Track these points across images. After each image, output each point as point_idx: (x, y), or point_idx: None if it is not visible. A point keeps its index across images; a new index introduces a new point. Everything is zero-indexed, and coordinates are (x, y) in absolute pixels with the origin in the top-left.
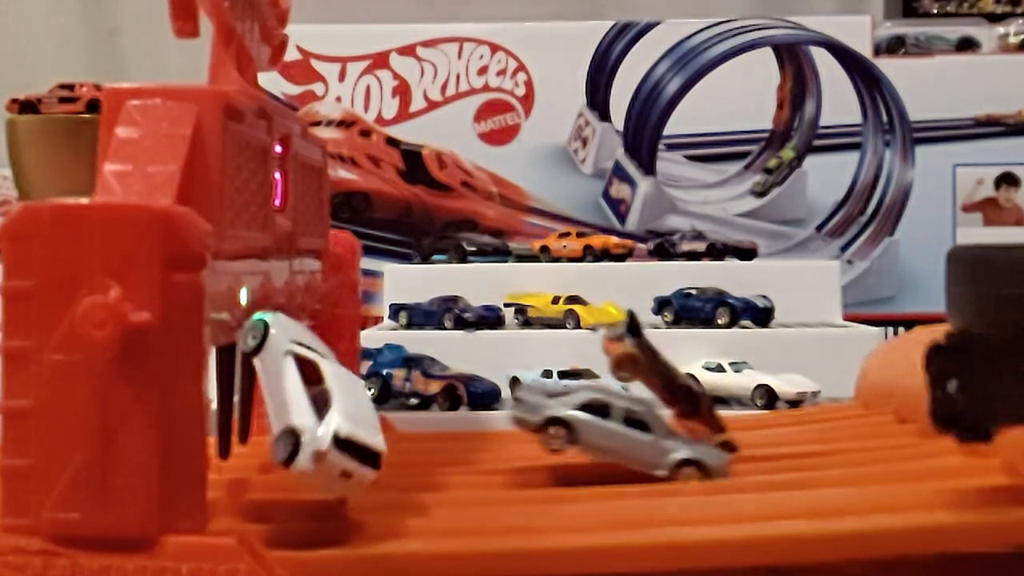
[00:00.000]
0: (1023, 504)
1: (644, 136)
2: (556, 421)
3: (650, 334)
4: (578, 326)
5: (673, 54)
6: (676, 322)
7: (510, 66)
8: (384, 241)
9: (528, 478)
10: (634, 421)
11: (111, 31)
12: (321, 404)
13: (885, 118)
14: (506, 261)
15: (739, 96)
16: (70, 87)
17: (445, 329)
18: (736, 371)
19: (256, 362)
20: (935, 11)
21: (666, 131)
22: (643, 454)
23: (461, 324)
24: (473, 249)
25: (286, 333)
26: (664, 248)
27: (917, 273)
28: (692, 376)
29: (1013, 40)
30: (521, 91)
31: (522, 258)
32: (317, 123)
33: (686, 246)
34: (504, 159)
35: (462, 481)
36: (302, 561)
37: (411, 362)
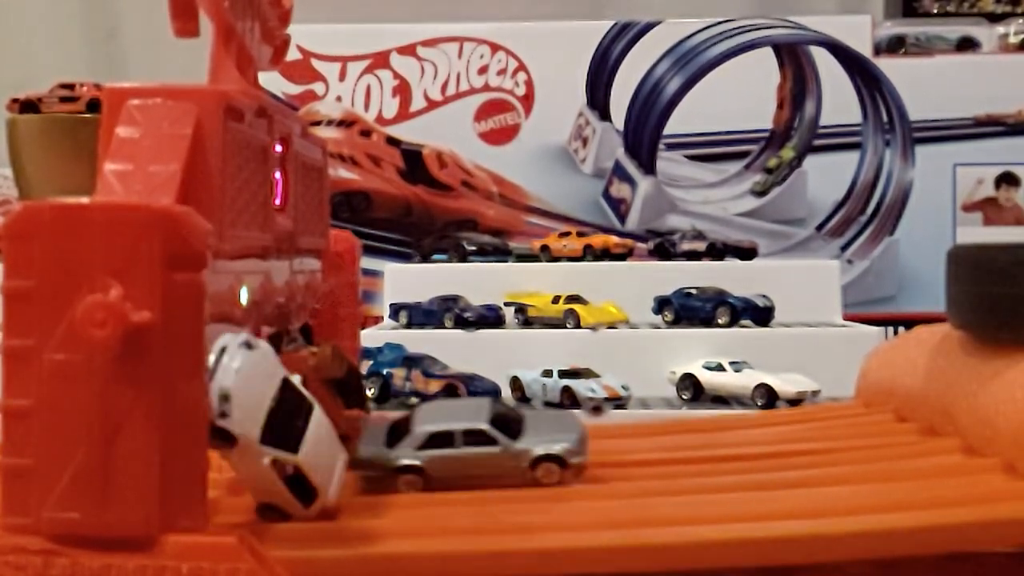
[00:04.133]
0: (1023, 504)
1: (644, 136)
2: (408, 470)
3: (645, 334)
4: (578, 325)
5: (673, 54)
6: (676, 321)
7: (510, 66)
8: (384, 240)
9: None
10: (475, 438)
11: (111, 31)
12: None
13: (885, 118)
14: (506, 261)
15: (739, 96)
16: (70, 86)
17: (445, 328)
18: (736, 370)
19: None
20: (935, 11)
21: (666, 131)
22: (497, 468)
23: (461, 323)
24: (473, 249)
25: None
26: (664, 248)
27: (917, 272)
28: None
29: (1013, 40)
30: (521, 91)
31: (522, 257)
32: (317, 122)
33: (686, 246)
34: (504, 159)
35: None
36: (302, 561)
37: (411, 361)
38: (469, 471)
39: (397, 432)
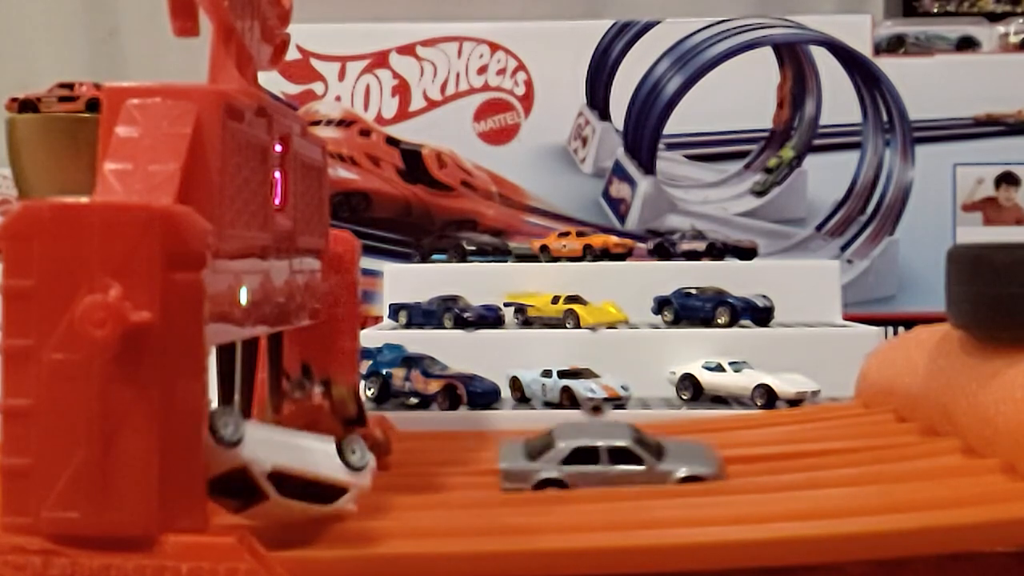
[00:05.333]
0: (1023, 504)
1: (644, 135)
2: (549, 483)
3: (645, 334)
4: (578, 325)
5: (673, 53)
6: (676, 321)
7: (510, 65)
8: (384, 240)
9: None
10: (622, 456)
11: (111, 31)
12: None
13: (885, 117)
14: (506, 260)
15: (739, 95)
16: (70, 86)
17: (445, 328)
18: (736, 371)
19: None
20: (935, 10)
21: (666, 130)
22: (644, 483)
23: (461, 323)
24: (473, 248)
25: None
26: (664, 247)
27: (917, 272)
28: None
29: (1013, 39)
30: (521, 90)
31: (522, 257)
32: (317, 122)
33: (686, 245)
34: (504, 158)
35: (462, 481)
36: (302, 561)
37: (411, 361)
38: (611, 488)
39: (535, 447)
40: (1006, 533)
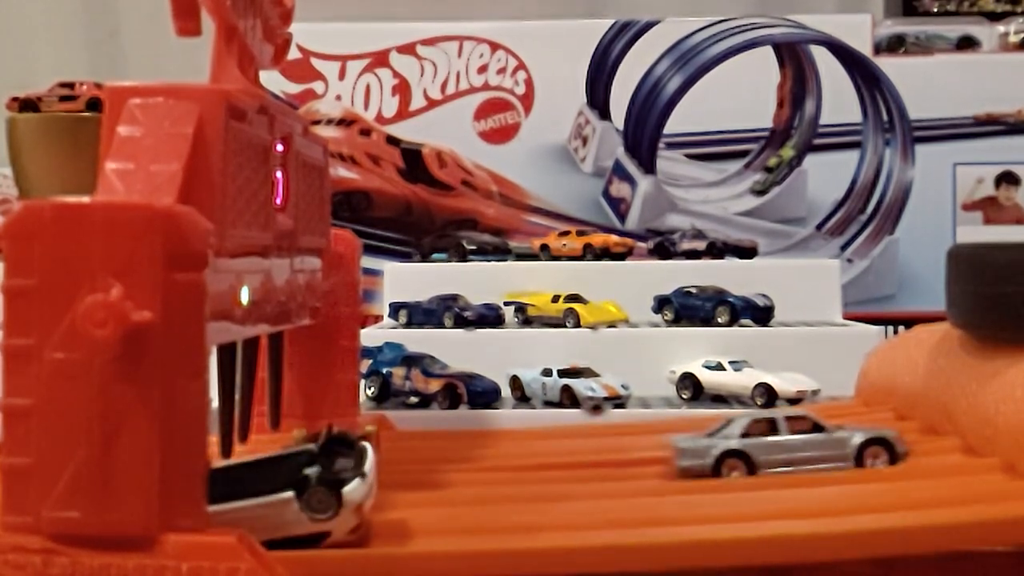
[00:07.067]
0: (1023, 504)
1: (644, 135)
2: (731, 454)
3: (645, 333)
4: (578, 324)
5: (673, 53)
6: (676, 321)
7: (510, 65)
8: (384, 240)
9: (528, 476)
10: (800, 425)
11: (111, 31)
12: None
13: (885, 117)
14: (506, 260)
15: (739, 95)
16: (70, 85)
17: (445, 327)
18: (736, 369)
19: None
20: (935, 10)
21: (666, 130)
22: (825, 452)
23: (461, 322)
24: (473, 248)
25: None
26: (664, 247)
27: (917, 272)
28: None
29: (1013, 39)
30: (521, 90)
31: (522, 257)
32: (317, 122)
33: (686, 245)
34: (504, 158)
35: (462, 479)
36: (302, 560)
37: (411, 360)
38: (794, 458)
39: (712, 430)
40: (1006, 532)
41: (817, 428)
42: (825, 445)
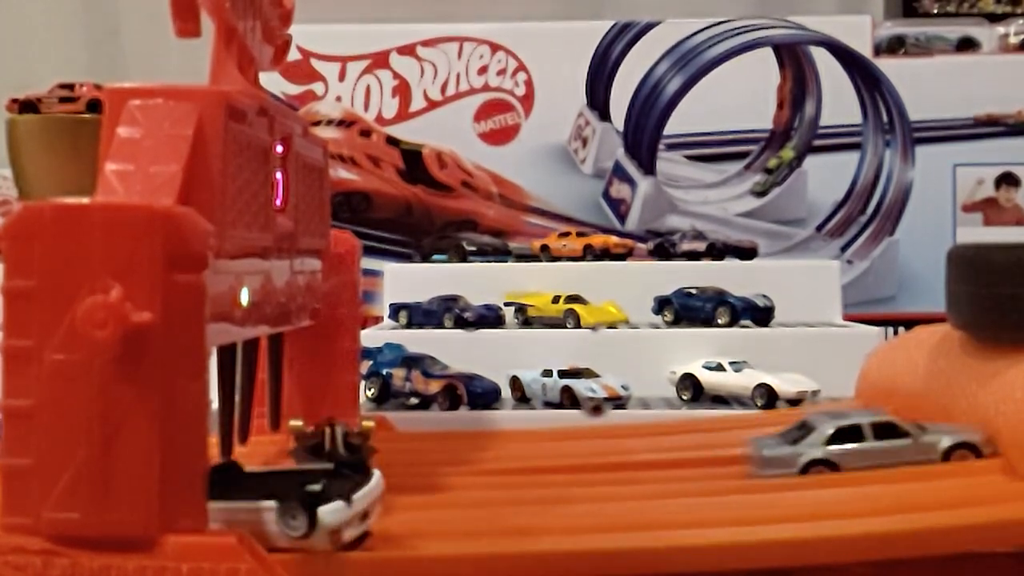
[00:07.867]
0: (1023, 504)
1: (644, 136)
2: (817, 463)
3: (645, 334)
4: (578, 325)
5: (673, 54)
6: (676, 321)
7: (510, 66)
8: (384, 241)
9: (528, 479)
10: (885, 431)
11: (111, 31)
12: None
13: (885, 118)
14: (506, 261)
15: (739, 96)
16: (70, 87)
17: (445, 328)
18: (736, 370)
19: None
20: (935, 11)
21: (666, 131)
22: (912, 458)
23: (461, 323)
24: (473, 249)
25: None
26: (664, 248)
27: (917, 273)
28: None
29: (1013, 40)
30: (521, 91)
31: (522, 257)
32: (317, 123)
33: (686, 246)
34: (504, 159)
35: (462, 482)
36: (302, 561)
37: (411, 361)
38: (878, 462)
39: (791, 434)
40: (1006, 533)
41: (901, 432)
42: (911, 450)
